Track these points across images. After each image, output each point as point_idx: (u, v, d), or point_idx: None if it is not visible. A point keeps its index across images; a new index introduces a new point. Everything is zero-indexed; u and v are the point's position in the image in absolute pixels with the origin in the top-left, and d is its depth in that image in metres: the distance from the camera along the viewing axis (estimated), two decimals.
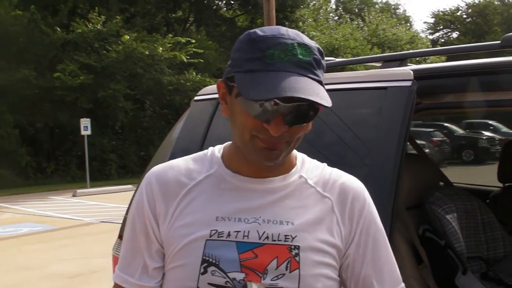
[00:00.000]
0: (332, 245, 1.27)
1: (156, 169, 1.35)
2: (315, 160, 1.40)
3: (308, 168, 1.35)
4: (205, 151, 1.39)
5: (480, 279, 2.60)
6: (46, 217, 13.01)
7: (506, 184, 3.37)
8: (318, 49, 1.21)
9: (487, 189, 3.74)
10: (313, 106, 1.17)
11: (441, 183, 3.33)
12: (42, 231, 11.25)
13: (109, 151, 22.25)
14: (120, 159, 22.70)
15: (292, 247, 1.23)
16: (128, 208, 2.89)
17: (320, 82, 1.19)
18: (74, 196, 17.23)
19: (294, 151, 1.37)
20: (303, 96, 1.10)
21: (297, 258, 1.22)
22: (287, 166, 1.32)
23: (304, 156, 1.39)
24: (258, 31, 1.20)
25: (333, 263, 1.27)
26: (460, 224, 2.64)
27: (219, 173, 1.31)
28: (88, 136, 18.64)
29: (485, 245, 2.77)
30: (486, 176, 4.57)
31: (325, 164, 1.39)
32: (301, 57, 1.17)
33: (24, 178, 20.58)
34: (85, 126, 18.36)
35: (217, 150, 1.38)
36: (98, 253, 8.29)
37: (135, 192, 2.90)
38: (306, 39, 1.21)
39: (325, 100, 1.14)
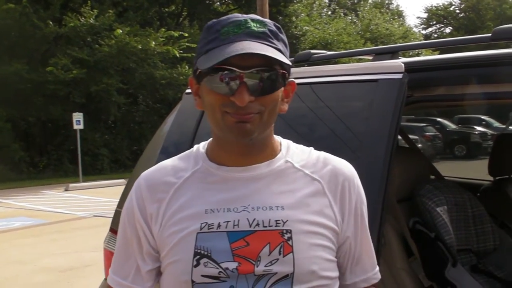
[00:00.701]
0: (325, 227, 1.28)
1: (145, 173, 1.38)
2: (301, 145, 1.41)
3: (293, 152, 1.36)
4: (191, 149, 1.41)
5: (470, 271, 2.61)
6: (39, 211, 12.96)
7: (497, 178, 3.38)
8: (274, 24, 1.25)
9: (478, 183, 3.76)
10: (278, 73, 1.21)
11: (432, 177, 3.34)
12: (34, 225, 11.23)
13: (101, 146, 22.17)
14: (113, 153, 22.63)
15: (284, 231, 1.23)
16: (120, 201, 2.89)
17: (279, 50, 1.22)
18: (66, 190, 17.18)
19: (279, 138, 1.38)
20: (253, 52, 1.14)
21: (290, 242, 1.22)
22: (271, 152, 1.33)
23: (290, 142, 1.40)
24: (215, 19, 1.26)
25: (328, 245, 1.28)
26: (450, 216, 2.65)
27: (204, 168, 1.33)
28: (80, 130, 18.58)
29: (475, 238, 2.78)
30: (478, 171, 4.59)
31: (311, 148, 1.40)
32: (255, 28, 1.21)
33: (16, 172, 20.49)
34: (78, 120, 18.30)
35: (201, 146, 1.39)
36: (90, 247, 8.28)
37: (126, 186, 2.91)
38: (260, 17, 1.25)
39: (280, 57, 1.18)
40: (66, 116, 20.15)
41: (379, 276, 1.44)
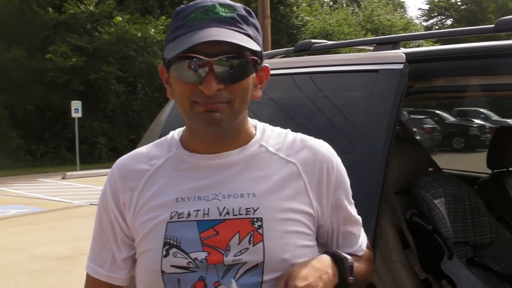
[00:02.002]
0: (300, 212, 1.26)
1: (119, 161, 1.37)
2: (278, 128, 1.39)
3: (269, 136, 1.34)
4: (167, 136, 1.39)
5: (466, 264, 2.60)
6: (35, 199, 12.96)
7: (495, 171, 3.37)
8: (244, 8, 1.23)
9: (476, 175, 3.75)
10: (248, 59, 1.18)
11: (430, 169, 3.33)
12: (31, 213, 11.23)
13: (99, 134, 22.13)
14: (111, 142, 22.60)
15: (254, 219, 1.21)
16: None
17: (249, 36, 1.19)
18: (63, 178, 17.17)
19: (254, 121, 1.36)
20: (219, 39, 1.11)
21: (260, 231, 1.21)
22: (245, 137, 1.30)
23: (266, 125, 1.38)
24: (183, 5, 1.24)
25: (303, 230, 1.26)
26: (447, 209, 2.64)
27: (177, 155, 1.31)
28: (79, 118, 18.52)
29: (472, 231, 2.77)
30: (475, 164, 4.57)
31: (288, 130, 1.38)
32: (222, 14, 1.18)
33: (13, 160, 20.46)
34: (76, 108, 18.24)
35: (176, 133, 1.38)
36: (87, 236, 8.15)
37: None
38: (229, 1, 1.22)
39: (248, 43, 1.16)
40: (64, 104, 20.09)
41: (363, 247, 1.43)
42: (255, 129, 1.34)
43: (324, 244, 1.37)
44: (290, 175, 1.28)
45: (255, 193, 1.24)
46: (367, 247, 1.46)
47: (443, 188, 2.67)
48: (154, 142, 1.39)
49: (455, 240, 2.62)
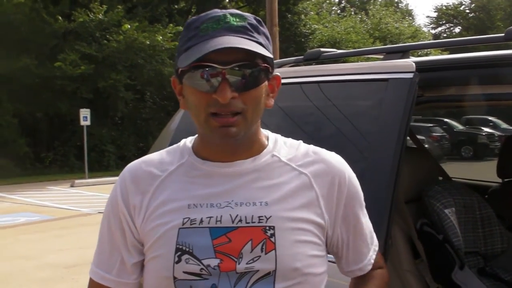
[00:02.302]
0: (311, 222, 1.26)
1: (130, 165, 1.37)
2: (290, 139, 1.39)
3: (281, 146, 1.34)
4: (179, 143, 1.39)
5: (477, 274, 2.59)
6: (44, 207, 12.98)
7: (505, 180, 3.35)
8: (255, 17, 1.23)
9: (486, 184, 3.73)
10: (261, 67, 1.19)
11: (440, 178, 3.31)
12: (40, 221, 11.23)
13: (108, 142, 22.19)
14: (119, 150, 22.65)
15: (267, 227, 1.21)
16: None
17: (260, 44, 1.20)
18: (72, 186, 17.18)
19: (267, 132, 1.37)
20: (232, 46, 1.12)
21: (272, 239, 1.21)
22: (257, 147, 1.31)
23: (278, 135, 1.38)
24: (194, 17, 1.24)
25: (313, 240, 1.26)
26: (458, 218, 2.62)
27: (190, 162, 1.31)
28: (87, 126, 18.59)
29: (483, 241, 2.75)
30: (484, 172, 4.55)
31: (300, 141, 1.38)
32: (234, 23, 1.19)
33: (22, 168, 20.54)
34: (85, 116, 18.30)
35: (188, 140, 1.38)
36: (95, 244, 8.24)
37: None
38: (240, 12, 1.23)
39: (261, 50, 1.16)
40: (73, 111, 20.18)
41: (372, 260, 1.43)
42: (267, 139, 1.34)
43: (334, 256, 1.39)
44: (302, 185, 1.28)
45: (267, 201, 1.24)
46: (379, 266, 1.46)
47: (453, 198, 2.66)
48: (165, 149, 1.39)
49: (466, 250, 2.60)
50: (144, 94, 24.41)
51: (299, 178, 1.29)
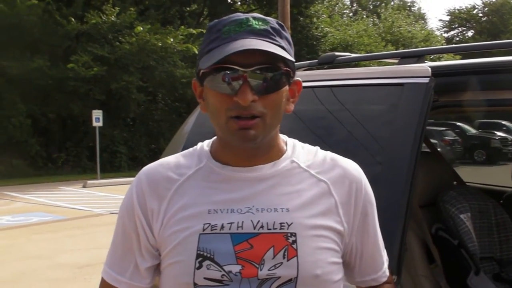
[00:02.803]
0: (330, 229, 1.25)
1: (146, 168, 1.35)
2: (307, 144, 1.38)
3: (299, 152, 1.33)
4: (195, 146, 1.37)
5: (492, 280, 2.57)
6: (56, 207, 13.07)
7: None
8: (277, 22, 1.22)
9: (501, 189, 3.70)
10: (282, 71, 1.18)
11: (454, 182, 3.30)
12: (52, 221, 11.31)
13: (120, 143, 22.28)
14: (131, 151, 22.73)
15: (289, 234, 1.21)
16: None
17: (282, 48, 1.19)
18: (84, 187, 17.28)
19: (285, 137, 1.36)
20: (254, 48, 1.12)
21: (294, 246, 1.20)
22: (276, 152, 1.30)
23: (295, 141, 1.37)
24: (216, 20, 1.24)
25: (333, 247, 1.25)
26: (474, 223, 2.61)
27: (208, 166, 1.30)
28: (99, 127, 18.68)
29: (498, 246, 2.74)
30: (498, 177, 4.52)
31: (317, 148, 1.38)
32: (256, 26, 1.19)
33: (35, 168, 20.67)
34: (97, 117, 18.40)
35: (205, 144, 1.36)
36: (107, 244, 8.17)
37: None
38: (262, 16, 1.23)
39: (283, 53, 1.16)
40: (85, 113, 20.29)
41: (387, 273, 1.43)
42: (286, 144, 1.34)
43: (347, 264, 1.36)
44: (321, 193, 1.28)
45: (288, 208, 1.23)
46: (389, 281, 1.46)
47: (468, 203, 2.64)
48: (181, 153, 1.37)
49: (481, 255, 2.59)
50: (156, 96, 24.48)
51: (318, 185, 1.28)
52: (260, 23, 1.20)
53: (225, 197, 1.25)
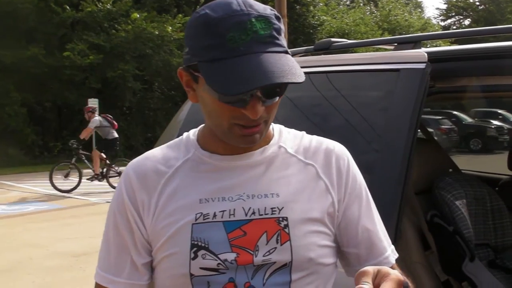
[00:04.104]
0: (321, 212, 1.25)
1: (133, 162, 1.32)
2: (293, 130, 1.38)
3: (286, 137, 1.33)
4: (181, 137, 1.35)
5: (487, 266, 2.57)
6: (52, 196, 13.06)
7: None
8: (275, 15, 1.16)
9: (497, 177, 3.71)
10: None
11: (450, 170, 3.29)
12: (48, 209, 11.30)
13: (116, 132, 22.21)
14: (127, 140, 22.68)
15: (280, 219, 1.21)
16: None
17: (286, 52, 1.16)
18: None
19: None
20: (279, 81, 1.07)
21: (286, 230, 1.20)
22: (265, 139, 1.27)
23: (281, 126, 1.36)
24: (210, 12, 1.13)
25: (325, 230, 1.25)
26: (469, 210, 2.61)
27: (196, 156, 1.28)
28: None
29: (493, 233, 2.74)
30: (494, 165, 4.52)
31: (303, 132, 1.37)
32: (262, 32, 1.12)
33: (31, 157, 20.64)
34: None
35: (191, 133, 1.34)
36: (103, 233, 8.31)
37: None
38: (260, 8, 1.15)
39: (298, 74, 1.10)
40: (81, 101, 20.21)
41: (391, 260, 1.34)
42: (272, 129, 1.33)
43: (342, 252, 1.32)
44: (310, 176, 1.27)
45: (278, 193, 1.23)
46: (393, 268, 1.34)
47: (464, 189, 2.64)
48: (167, 144, 1.35)
49: (476, 242, 2.59)
50: (152, 84, 24.42)
51: (306, 169, 1.28)
52: (264, 27, 1.13)
53: (215, 186, 1.24)
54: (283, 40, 1.17)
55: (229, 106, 1.13)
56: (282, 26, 1.19)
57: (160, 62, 22.01)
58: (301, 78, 1.10)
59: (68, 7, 21.03)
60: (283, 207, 1.22)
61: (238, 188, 1.23)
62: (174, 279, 1.22)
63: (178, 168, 1.27)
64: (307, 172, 1.28)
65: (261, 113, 1.13)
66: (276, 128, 1.34)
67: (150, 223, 1.24)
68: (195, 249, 1.19)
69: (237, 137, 1.18)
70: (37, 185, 14.95)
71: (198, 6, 28.48)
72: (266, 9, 1.16)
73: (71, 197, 12.77)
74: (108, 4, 21.36)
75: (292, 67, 1.11)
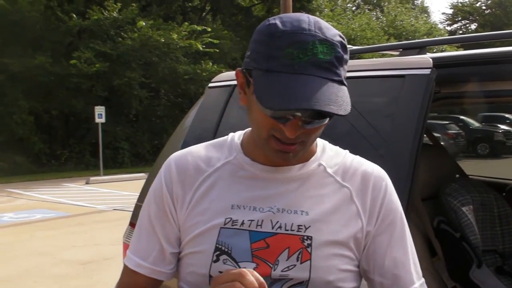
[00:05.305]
0: (348, 236, 1.23)
1: (176, 155, 1.34)
2: (337, 147, 1.36)
3: (328, 155, 1.31)
4: (226, 137, 1.37)
5: (495, 273, 2.56)
6: (59, 204, 13.07)
7: None
8: (341, 43, 1.13)
9: (504, 182, 3.68)
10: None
11: (457, 175, 3.28)
12: (55, 217, 11.31)
13: (122, 139, 22.30)
14: (133, 147, 22.75)
15: (305, 237, 1.20)
16: (140, 196, 2.87)
17: (341, 82, 1.12)
18: (87, 183, 17.29)
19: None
20: (320, 109, 1.04)
21: (309, 249, 1.19)
22: (307, 154, 1.27)
23: (326, 142, 1.35)
24: (279, 23, 1.12)
25: (349, 254, 1.23)
26: (476, 216, 2.59)
27: (237, 161, 1.29)
28: (102, 124, 18.68)
29: (501, 239, 2.72)
30: (501, 170, 4.49)
31: (347, 151, 1.35)
32: (321, 56, 1.09)
33: (38, 165, 20.71)
34: (100, 114, 18.38)
35: (237, 136, 1.35)
36: (110, 241, 8.33)
37: (147, 180, 2.89)
38: (328, 33, 1.12)
39: (344, 107, 1.07)
40: (88, 109, 20.31)
41: None
42: (316, 146, 1.32)
43: (371, 273, 1.28)
44: (343, 199, 1.26)
45: (308, 211, 1.23)
46: None
47: (471, 195, 2.63)
48: (211, 143, 1.37)
49: (483, 248, 2.57)
50: (158, 92, 24.49)
51: (341, 191, 1.27)
52: (325, 51, 1.10)
53: (249, 194, 1.25)
54: (343, 71, 1.14)
55: (271, 119, 1.13)
56: (347, 57, 1.15)
57: (166, 70, 22.07)
58: (344, 111, 1.07)
59: (74, 15, 21.14)
60: (310, 226, 1.21)
61: (271, 200, 1.24)
62: (194, 277, 1.24)
63: (217, 169, 1.29)
64: (341, 194, 1.27)
65: (297, 134, 1.12)
66: (319, 144, 1.33)
67: (182, 218, 1.27)
68: (218, 252, 1.20)
69: (272, 150, 1.18)
70: (44, 193, 14.98)
71: (204, 13, 28.69)
72: (335, 36, 1.13)
73: (78, 205, 12.78)
74: (114, 12, 21.45)
75: (341, 98, 1.09)
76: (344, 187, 1.27)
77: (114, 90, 21.67)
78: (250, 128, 1.33)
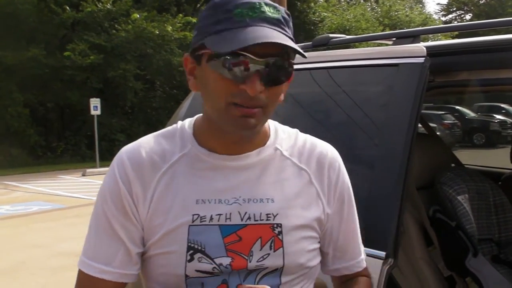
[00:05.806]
0: (313, 218, 1.27)
1: (128, 149, 1.27)
2: (287, 127, 1.38)
3: (281, 138, 1.33)
4: (175, 125, 1.32)
5: (491, 261, 2.56)
6: (56, 196, 13.07)
7: None
8: (285, 11, 1.18)
9: (499, 171, 3.69)
10: (290, 64, 1.14)
11: (453, 165, 3.28)
12: (52, 209, 11.31)
13: (118, 131, 22.27)
14: (129, 139, 22.68)
15: (275, 225, 1.22)
16: None
17: (292, 40, 1.15)
18: (83, 175, 17.28)
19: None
20: (276, 41, 1.06)
21: (280, 237, 1.22)
22: (261, 138, 1.28)
23: (277, 124, 1.36)
24: None
25: (314, 235, 1.28)
26: (471, 205, 2.59)
27: (193, 152, 1.25)
28: (97, 116, 18.62)
29: (496, 227, 2.72)
30: (497, 159, 4.50)
31: (297, 131, 1.37)
32: (269, 14, 1.13)
33: (34, 157, 20.69)
34: (95, 106, 18.30)
35: (187, 125, 1.31)
36: None
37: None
38: (273, 3, 1.18)
39: (296, 46, 1.11)
40: (83, 101, 20.24)
41: (363, 264, 1.44)
42: (268, 128, 1.32)
43: (322, 252, 1.36)
44: (303, 182, 1.29)
45: (273, 198, 1.24)
46: (366, 274, 1.47)
47: (466, 184, 2.62)
48: (160, 133, 1.31)
49: (479, 237, 2.57)
50: (154, 84, 24.43)
51: (300, 175, 1.29)
52: (272, 11, 1.14)
53: (212, 186, 1.22)
54: (291, 33, 1.17)
55: (229, 82, 1.11)
56: (291, 25, 1.20)
57: (161, 62, 22.01)
58: (296, 47, 1.10)
59: (68, 7, 21.03)
60: (277, 214, 1.23)
61: (234, 190, 1.23)
62: (167, 277, 1.21)
63: (174, 163, 1.24)
64: (301, 178, 1.29)
65: (259, 91, 1.10)
66: (271, 127, 1.33)
67: (145, 217, 1.21)
68: (191, 251, 1.18)
69: (233, 120, 1.13)
70: (40, 185, 14.97)
71: (198, 5, 28.55)
72: (277, 5, 1.18)
73: (75, 197, 12.78)
74: (108, 4, 21.33)
75: (289, 40, 1.12)
76: (302, 170, 1.30)
77: (109, 82, 21.62)
78: (200, 115, 1.30)
